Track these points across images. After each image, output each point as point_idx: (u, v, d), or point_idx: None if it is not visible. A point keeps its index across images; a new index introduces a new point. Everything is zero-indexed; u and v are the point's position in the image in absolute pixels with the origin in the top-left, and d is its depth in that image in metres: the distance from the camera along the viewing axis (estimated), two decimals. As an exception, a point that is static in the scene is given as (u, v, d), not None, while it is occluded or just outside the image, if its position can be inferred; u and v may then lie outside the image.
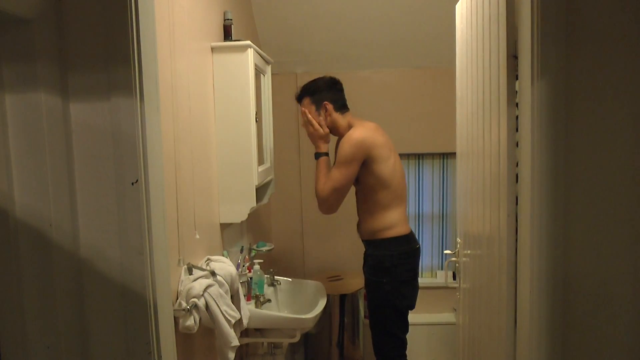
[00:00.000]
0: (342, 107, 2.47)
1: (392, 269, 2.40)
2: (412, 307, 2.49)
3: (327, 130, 2.45)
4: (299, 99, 2.51)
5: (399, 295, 2.42)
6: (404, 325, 2.50)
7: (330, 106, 2.43)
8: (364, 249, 2.56)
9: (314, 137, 2.46)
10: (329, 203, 2.37)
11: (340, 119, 2.45)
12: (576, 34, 1.20)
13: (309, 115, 2.45)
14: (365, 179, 2.38)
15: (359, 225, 2.55)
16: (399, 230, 2.43)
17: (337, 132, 2.47)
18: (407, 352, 2.55)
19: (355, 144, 2.33)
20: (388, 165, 2.38)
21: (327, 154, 2.45)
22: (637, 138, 1.18)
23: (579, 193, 1.23)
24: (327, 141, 2.47)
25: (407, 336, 2.53)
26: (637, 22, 1.17)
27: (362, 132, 2.36)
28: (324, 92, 2.44)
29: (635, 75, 1.17)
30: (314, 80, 2.48)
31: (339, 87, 2.48)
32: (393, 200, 2.42)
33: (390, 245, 2.41)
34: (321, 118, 2.44)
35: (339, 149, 2.40)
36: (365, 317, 3.30)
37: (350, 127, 2.43)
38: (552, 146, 1.23)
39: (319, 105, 2.44)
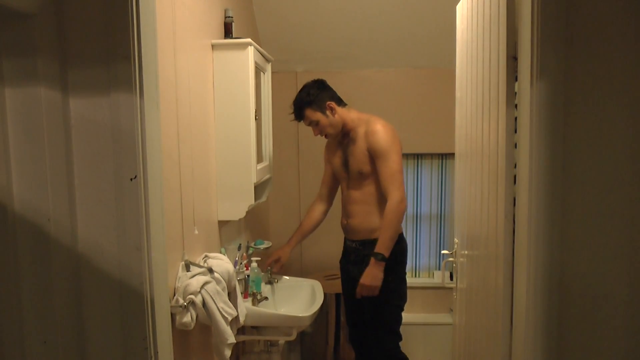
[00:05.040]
0: (341, 101, 2.44)
1: (395, 267, 2.38)
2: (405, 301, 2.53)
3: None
4: (300, 115, 2.42)
5: (401, 293, 2.46)
6: (401, 321, 2.52)
7: (333, 104, 2.39)
8: (357, 249, 2.46)
9: (374, 288, 2.29)
10: (404, 201, 2.30)
11: (346, 113, 2.42)
12: (576, 36, 1.21)
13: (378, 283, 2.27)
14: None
15: (349, 225, 2.47)
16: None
17: (346, 126, 2.43)
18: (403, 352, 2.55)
19: (392, 131, 2.35)
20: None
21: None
22: (635, 140, 1.19)
23: (576, 194, 1.23)
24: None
25: (404, 336, 2.54)
26: (636, 25, 1.17)
27: (386, 122, 2.37)
28: (320, 94, 2.38)
29: (634, 78, 1.18)
30: (303, 91, 2.41)
31: (326, 84, 2.44)
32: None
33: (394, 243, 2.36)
34: (333, 118, 2.39)
35: (373, 142, 2.33)
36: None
37: (359, 119, 2.41)
38: (550, 148, 1.24)
39: (323, 108, 2.39)
